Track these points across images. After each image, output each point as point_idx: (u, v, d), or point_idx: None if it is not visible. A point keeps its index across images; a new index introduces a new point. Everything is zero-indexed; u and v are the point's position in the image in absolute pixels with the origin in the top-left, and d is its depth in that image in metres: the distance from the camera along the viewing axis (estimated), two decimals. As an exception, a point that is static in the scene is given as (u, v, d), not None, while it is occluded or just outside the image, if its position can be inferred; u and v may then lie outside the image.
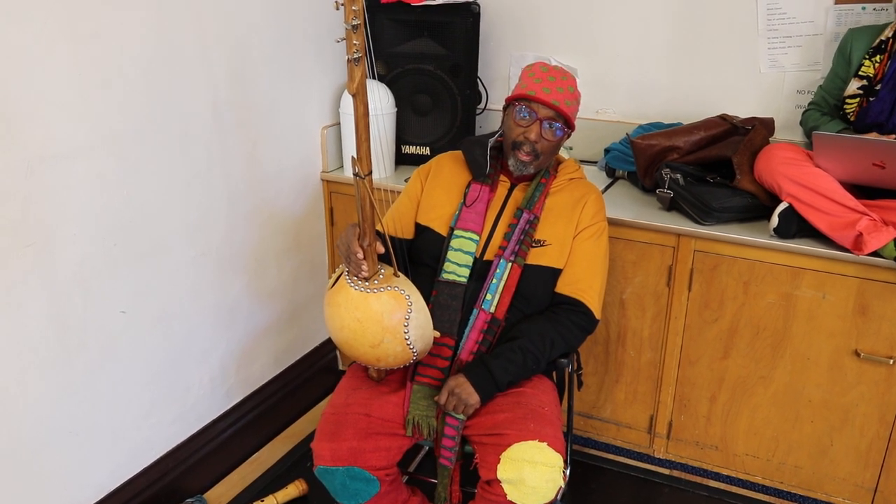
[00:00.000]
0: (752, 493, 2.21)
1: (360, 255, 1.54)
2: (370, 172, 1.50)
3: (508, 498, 1.53)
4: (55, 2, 1.56)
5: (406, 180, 2.02)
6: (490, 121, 2.70)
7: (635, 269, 2.13)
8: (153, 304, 1.95)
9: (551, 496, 1.54)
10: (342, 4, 1.31)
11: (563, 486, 1.56)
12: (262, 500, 2.11)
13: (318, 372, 2.65)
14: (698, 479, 2.27)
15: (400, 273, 1.61)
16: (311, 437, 2.44)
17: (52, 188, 1.64)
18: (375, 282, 1.57)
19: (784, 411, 2.08)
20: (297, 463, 2.35)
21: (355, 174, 1.49)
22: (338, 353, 2.76)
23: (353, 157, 1.48)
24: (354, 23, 1.32)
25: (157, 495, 2.04)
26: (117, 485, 1.95)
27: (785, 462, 2.14)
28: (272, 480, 2.27)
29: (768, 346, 2.04)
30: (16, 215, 1.57)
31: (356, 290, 1.56)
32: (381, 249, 1.57)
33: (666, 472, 2.31)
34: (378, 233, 1.58)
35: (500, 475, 1.53)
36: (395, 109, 2.44)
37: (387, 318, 1.54)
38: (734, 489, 2.23)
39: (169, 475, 2.08)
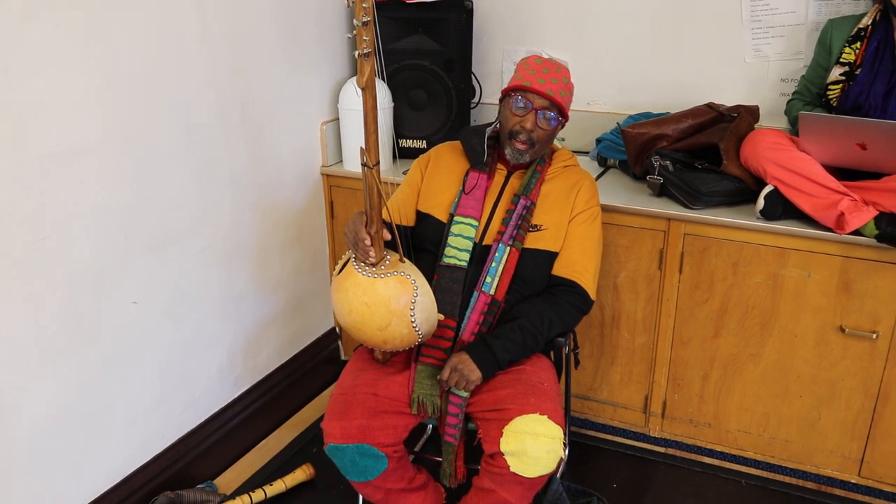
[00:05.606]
0: (744, 468, 2.29)
1: (368, 242, 1.61)
2: (378, 163, 1.57)
3: (511, 470, 1.60)
4: (65, 3, 1.62)
5: (404, 172, 2.09)
6: (484, 114, 2.77)
7: (628, 254, 2.20)
8: (163, 296, 2.01)
9: (552, 467, 1.61)
10: (353, 2, 1.37)
11: (563, 458, 1.63)
12: (271, 485, 2.17)
13: (321, 362, 2.72)
14: (693, 456, 2.35)
15: (405, 259, 1.68)
16: (315, 424, 2.52)
17: (65, 183, 1.69)
18: (382, 267, 1.63)
19: (774, 387, 2.16)
20: (303, 450, 2.41)
21: (363, 164, 1.56)
22: (340, 343, 2.83)
23: (361, 148, 1.55)
24: (364, 20, 1.39)
25: (169, 481, 2.10)
26: (131, 471, 2.01)
27: (776, 437, 2.22)
28: (279, 467, 2.33)
29: (757, 325, 2.12)
30: (32, 210, 1.63)
31: (364, 276, 1.62)
32: (388, 236, 1.64)
33: (661, 450, 2.39)
34: (384, 221, 1.64)
35: (502, 447, 1.60)
36: (392, 104, 2.51)
37: (394, 302, 1.60)
38: (727, 465, 2.31)
39: (180, 461, 2.15)
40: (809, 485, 2.21)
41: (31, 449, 1.73)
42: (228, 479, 2.27)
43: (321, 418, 1.74)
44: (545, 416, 1.60)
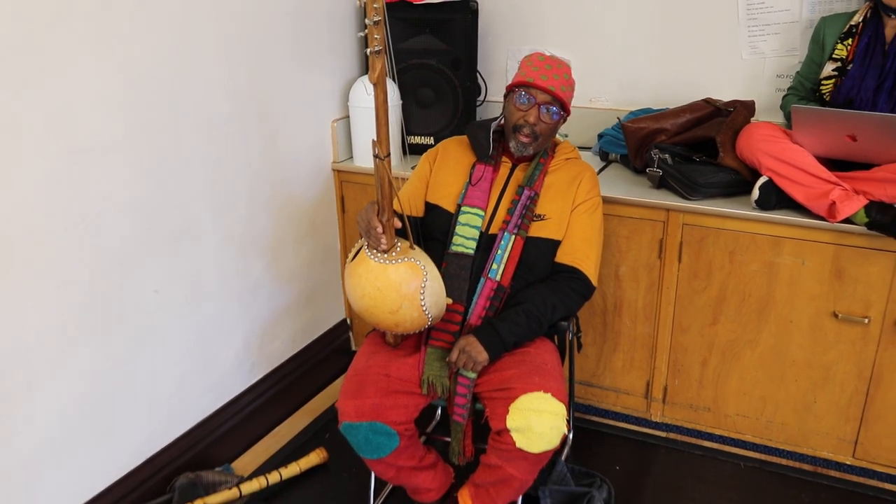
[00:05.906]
0: (743, 451, 2.36)
1: (380, 230, 1.70)
2: (389, 154, 1.66)
3: (517, 446, 1.68)
4: (92, 6, 1.71)
5: (413, 167, 2.17)
6: (489, 111, 2.85)
7: (629, 244, 2.28)
8: (183, 285, 2.10)
9: (556, 442, 1.69)
10: (364, 2, 1.46)
11: (566, 434, 1.72)
12: (286, 467, 2.25)
13: (332, 352, 2.81)
14: (693, 440, 2.42)
15: (415, 246, 1.77)
16: (327, 412, 2.61)
17: (92, 177, 1.79)
18: (393, 254, 1.72)
19: (770, 372, 2.24)
20: (315, 436, 2.49)
21: (375, 156, 1.65)
22: (350, 334, 2.91)
23: (373, 140, 1.63)
24: (376, 19, 1.48)
25: (189, 463, 2.19)
26: (153, 452, 2.10)
27: (773, 420, 2.30)
28: (292, 452, 2.41)
29: (754, 312, 2.20)
30: (63, 201, 1.73)
31: (376, 262, 1.71)
32: (399, 224, 1.73)
33: (663, 434, 2.46)
34: (394, 210, 1.73)
35: (509, 424, 1.68)
36: (401, 102, 2.60)
37: (404, 287, 1.69)
38: (726, 448, 2.38)
39: (199, 445, 2.24)
40: (805, 466, 2.29)
41: (55, 431, 1.81)
42: (244, 463, 2.36)
43: (333, 406, 1.82)
44: (549, 394, 1.68)
